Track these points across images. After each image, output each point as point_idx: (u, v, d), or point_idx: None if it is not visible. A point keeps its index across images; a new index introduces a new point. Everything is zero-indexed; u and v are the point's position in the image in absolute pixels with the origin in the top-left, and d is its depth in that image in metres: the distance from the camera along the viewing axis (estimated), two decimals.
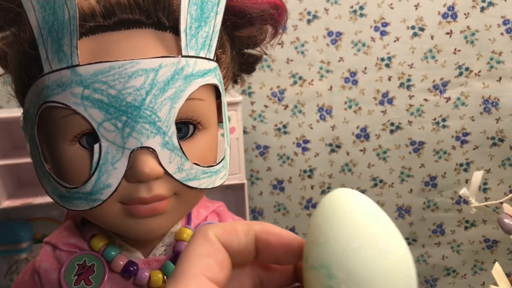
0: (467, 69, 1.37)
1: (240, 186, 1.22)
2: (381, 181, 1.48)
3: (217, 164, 0.47)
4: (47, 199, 1.06)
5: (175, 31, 0.43)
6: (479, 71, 1.37)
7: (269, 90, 1.40)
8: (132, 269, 0.49)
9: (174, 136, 0.42)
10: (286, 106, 1.41)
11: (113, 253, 0.50)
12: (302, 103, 1.41)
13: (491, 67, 1.36)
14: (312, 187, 1.47)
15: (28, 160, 1.01)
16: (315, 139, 1.44)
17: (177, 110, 0.42)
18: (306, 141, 1.43)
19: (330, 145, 1.44)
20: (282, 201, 1.48)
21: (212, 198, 0.63)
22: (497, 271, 0.86)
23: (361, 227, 0.24)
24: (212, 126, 0.48)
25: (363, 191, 1.48)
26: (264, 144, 1.42)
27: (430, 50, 1.36)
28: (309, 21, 1.35)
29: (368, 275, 0.23)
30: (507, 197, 1.12)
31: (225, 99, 0.50)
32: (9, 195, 1.12)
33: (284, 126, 1.42)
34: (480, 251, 1.57)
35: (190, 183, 0.44)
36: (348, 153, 1.45)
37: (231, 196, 1.31)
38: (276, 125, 1.42)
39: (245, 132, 1.41)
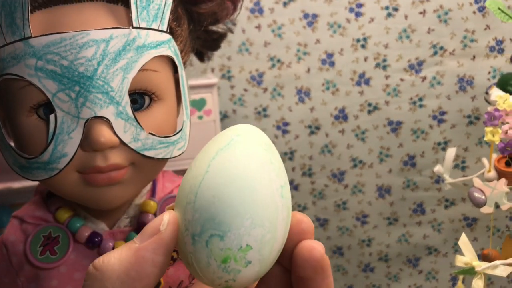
0: (441, 48, 1.39)
1: None
2: (360, 161, 1.50)
3: (174, 134, 0.48)
4: (27, 183, 1.07)
5: (126, 3, 0.44)
6: (453, 50, 1.39)
7: (248, 73, 1.41)
8: (96, 239, 0.51)
9: (128, 106, 0.44)
10: (265, 90, 1.43)
11: (77, 224, 0.52)
12: (281, 86, 1.43)
13: (465, 45, 1.38)
14: (293, 169, 1.49)
15: None
16: (295, 122, 1.46)
17: (130, 80, 0.43)
18: (286, 124, 1.45)
19: (310, 127, 1.46)
20: None
21: None
22: (463, 241, 0.89)
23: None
24: (169, 98, 0.49)
25: (343, 172, 1.51)
26: None
27: (405, 30, 1.37)
28: (285, 4, 1.36)
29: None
30: (478, 173, 1.15)
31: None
32: None
33: (264, 110, 1.44)
34: (460, 229, 1.60)
35: (146, 153, 0.45)
36: (327, 135, 1.47)
37: None
38: (256, 109, 1.43)
39: (226, 116, 1.42)
